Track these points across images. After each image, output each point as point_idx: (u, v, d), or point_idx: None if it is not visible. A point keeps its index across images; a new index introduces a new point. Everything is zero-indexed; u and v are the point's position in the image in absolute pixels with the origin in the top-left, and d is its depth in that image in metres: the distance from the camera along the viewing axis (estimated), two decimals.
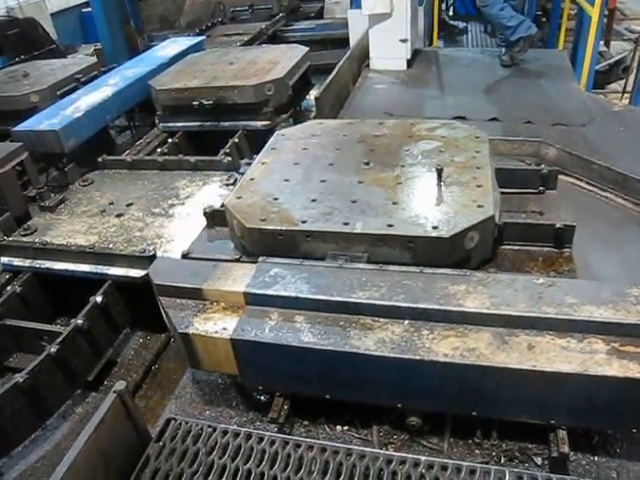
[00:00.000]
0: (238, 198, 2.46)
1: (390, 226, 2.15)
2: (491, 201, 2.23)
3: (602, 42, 7.98)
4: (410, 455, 1.76)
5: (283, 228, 2.24)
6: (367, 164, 2.62)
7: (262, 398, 2.21)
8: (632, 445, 1.93)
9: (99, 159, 3.88)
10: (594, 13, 5.32)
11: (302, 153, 2.82)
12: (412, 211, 2.24)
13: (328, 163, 2.69)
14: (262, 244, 2.28)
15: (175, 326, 2.04)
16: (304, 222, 2.25)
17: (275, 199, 2.43)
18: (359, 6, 5.54)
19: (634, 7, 10.74)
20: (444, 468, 1.70)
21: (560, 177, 2.79)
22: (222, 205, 2.60)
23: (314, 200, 2.39)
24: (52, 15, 12.11)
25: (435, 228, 2.11)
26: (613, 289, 1.88)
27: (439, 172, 2.37)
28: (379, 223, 2.18)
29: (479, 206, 2.20)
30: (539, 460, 1.94)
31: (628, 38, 8.92)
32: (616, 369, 1.66)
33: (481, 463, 1.86)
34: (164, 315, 2.20)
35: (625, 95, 7.52)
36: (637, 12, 9.99)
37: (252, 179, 2.62)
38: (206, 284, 2.12)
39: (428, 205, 2.27)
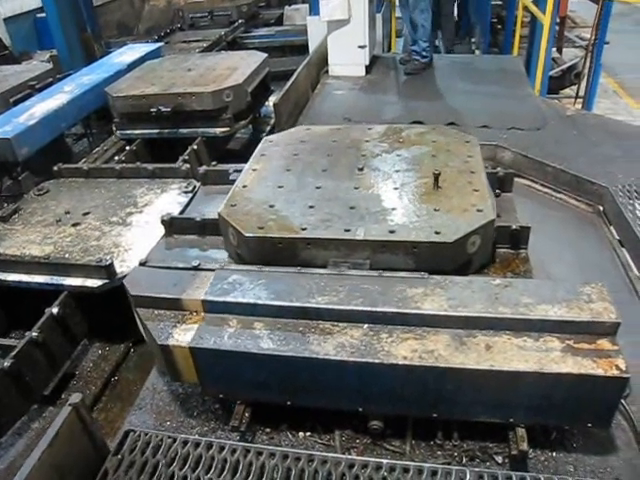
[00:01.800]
0: (232, 206, 2.39)
1: (392, 232, 2.13)
2: (490, 205, 2.24)
3: (555, 49, 8.20)
4: (372, 459, 1.77)
5: (283, 236, 2.19)
6: (361, 170, 2.58)
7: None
8: (588, 439, 1.97)
9: (55, 167, 3.81)
10: (546, 21, 5.46)
11: (293, 159, 2.76)
12: (412, 216, 2.22)
13: (321, 169, 2.64)
14: (260, 252, 2.22)
15: (154, 338, 1.97)
16: (304, 229, 2.19)
17: (271, 206, 2.36)
18: (318, 13, 5.58)
19: (584, 15, 11.10)
20: (406, 470, 1.71)
21: (516, 180, 2.84)
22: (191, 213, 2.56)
23: (312, 207, 2.34)
24: (5, 20, 11.78)
25: (438, 233, 2.09)
26: (567, 288, 1.91)
27: (436, 177, 2.35)
28: (380, 229, 2.16)
29: (479, 210, 2.20)
30: (500, 459, 1.96)
31: (579, 45, 9.20)
32: (571, 366, 1.69)
33: (443, 464, 1.87)
34: (141, 327, 2.12)
35: (578, 100, 7.74)
36: (587, 20, 10.31)
37: (244, 186, 2.54)
38: (185, 294, 2.05)
39: (428, 210, 2.25)
